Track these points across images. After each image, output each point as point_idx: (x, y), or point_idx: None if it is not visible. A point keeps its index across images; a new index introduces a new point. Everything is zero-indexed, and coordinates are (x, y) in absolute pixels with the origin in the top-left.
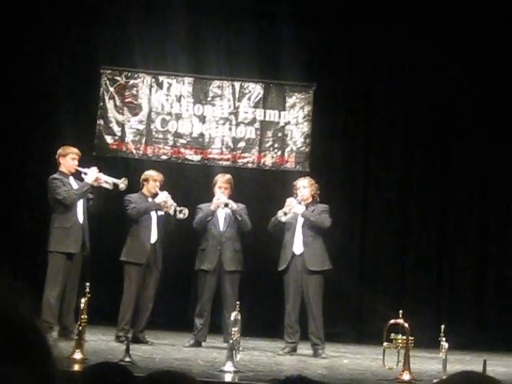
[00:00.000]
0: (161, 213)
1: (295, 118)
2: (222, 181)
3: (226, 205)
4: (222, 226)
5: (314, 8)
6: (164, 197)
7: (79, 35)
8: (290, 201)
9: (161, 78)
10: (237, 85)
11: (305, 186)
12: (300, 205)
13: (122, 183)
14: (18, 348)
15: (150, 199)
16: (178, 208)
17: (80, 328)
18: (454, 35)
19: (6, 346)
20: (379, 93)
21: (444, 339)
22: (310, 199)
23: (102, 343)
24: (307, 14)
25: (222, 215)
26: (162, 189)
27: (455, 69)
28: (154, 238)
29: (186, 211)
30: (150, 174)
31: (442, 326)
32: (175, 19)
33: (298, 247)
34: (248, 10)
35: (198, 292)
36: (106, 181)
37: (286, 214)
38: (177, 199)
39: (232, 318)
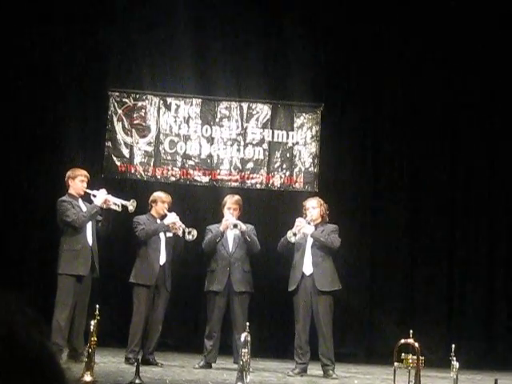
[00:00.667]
0: (169, 234)
1: (303, 138)
2: (231, 202)
3: (235, 226)
4: (231, 247)
5: (321, 29)
6: (173, 218)
7: (87, 58)
8: (299, 221)
9: (169, 100)
10: (244, 106)
11: (314, 207)
12: (309, 225)
13: (131, 205)
14: (32, 373)
15: (158, 221)
16: (187, 229)
17: (90, 350)
18: (457, 49)
19: (20, 372)
20: (386, 112)
21: (455, 358)
22: (320, 219)
23: (111, 365)
24: (314, 34)
25: (231, 236)
26: (170, 210)
27: (465, 84)
28: (162, 259)
29: (194, 232)
30: (159, 195)
31: (453, 346)
32: (182, 40)
33: (307, 268)
34: (255, 31)
35: (207, 313)
36: (115, 203)
37: (295, 234)
38: (185, 220)
39: (242, 339)
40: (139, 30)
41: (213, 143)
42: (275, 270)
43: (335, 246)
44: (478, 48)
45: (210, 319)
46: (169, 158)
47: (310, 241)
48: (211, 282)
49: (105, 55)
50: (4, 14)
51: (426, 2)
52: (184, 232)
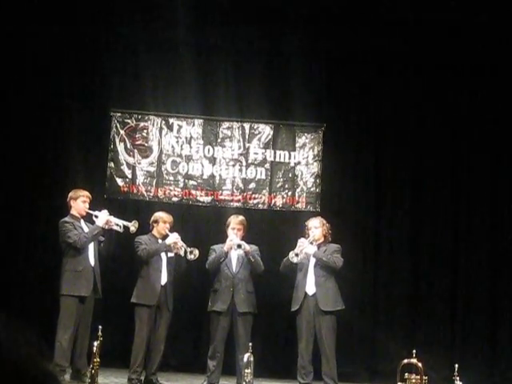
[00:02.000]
0: (171, 254)
1: (305, 158)
2: (235, 222)
3: (239, 246)
4: (234, 267)
5: (323, 49)
6: (174, 238)
7: (89, 78)
8: (301, 241)
9: (171, 120)
10: (246, 126)
11: (316, 227)
12: (312, 245)
13: (133, 226)
14: None
15: (160, 241)
16: (189, 249)
17: (93, 371)
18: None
19: None
20: (388, 132)
21: (458, 378)
22: (322, 239)
23: None
24: (316, 54)
25: (234, 256)
26: (172, 230)
27: (469, 99)
28: (164, 279)
29: (196, 252)
30: (160, 215)
31: (456, 365)
32: (185, 61)
33: (310, 287)
34: (257, 52)
35: (210, 333)
36: (117, 223)
37: (297, 255)
38: (188, 240)
39: (245, 359)
40: (141, 51)
41: (215, 163)
42: (278, 290)
43: (338, 265)
44: (485, 62)
45: (214, 339)
46: (171, 178)
47: (312, 261)
48: (214, 302)
49: (107, 76)
50: (5, 34)
51: (428, 17)
52: (186, 252)
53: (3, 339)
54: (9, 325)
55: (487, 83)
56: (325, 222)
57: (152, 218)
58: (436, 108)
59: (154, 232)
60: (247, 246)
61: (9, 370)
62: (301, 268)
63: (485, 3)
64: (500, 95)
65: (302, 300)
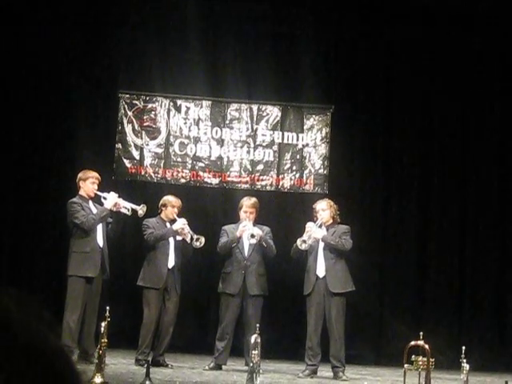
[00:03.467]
0: (179, 238)
1: (313, 140)
2: (247, 205)
3: (253, 236)
4: (247, 250)
5: (330, 30)
6: (181, 224)
7: (97, 60)
8: (309, 226)
9: (179, 102)
10: (254, 107)
11: (323, 209)
12: (320, 228)
13: (141, 209)
14: (49, 378)
15: (168, 224)
16: (195, 236)
17: (100, 352)
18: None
19: (38, 377)
20: (397, 113)
21: (465, 360)
22: (331, 221)
23: (122, 366)
24: (324, 35)
25: (246, 240)
26: (180, 214)
27: (480, 87)
28: (171, 263)
29: (202, 240)
30: (169, 199)
31: (463, 348)
32: (193, 42)
33: (320, 270)
34: (265, 33)
35: (220, 315)
36: (125, 206)
37: (305, 241)
38: (195, 222)
39: (252, 340)
40: (149, 32)
41: (223, 145)
42: (287, 272)
43: (346, 248)
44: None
45: (223, 321)
46: (179, 159)
47: (322, 244)
48: (226, 284)
49: (115, 57)
50: (14, 16)
51: (440, 8)
52: (192, 239)
53: (15, 314)
54: (20, 300)
55: (499, 66)
56: (332, 203)
57: (160, 202)
58: (446, 91)
59: (162, 215)
60: (260, 232)
61: (19, 344)
62: (311, 251)
63: None
64: None
65: (313, 283)
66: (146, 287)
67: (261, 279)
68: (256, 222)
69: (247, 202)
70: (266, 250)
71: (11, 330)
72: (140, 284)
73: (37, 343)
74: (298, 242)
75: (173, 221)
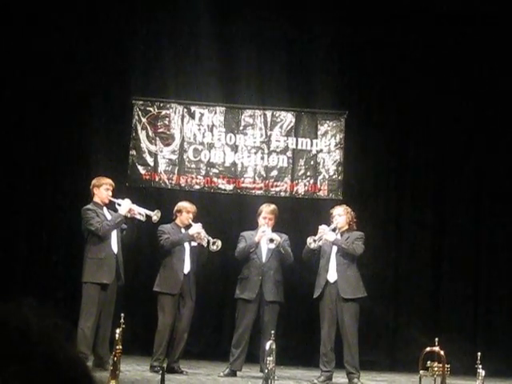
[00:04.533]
0: (194, 244)
1: (327, 145)
2: (266, 211)
3: (271, 240)
4: (264, 256)
5: (343, 36)
6: (197, 229)
7: (111, 67)
8: (322, 228)
9: (193, 108)
10: (268, 113)
11: (340, 214)
12: (332, 232)
13: (155, 215)
14: None
15: (183, 230)
16: (212, 240)
17: (115, 358)
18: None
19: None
20: (410, 118)
21: (480, 366)
22: (346, 227)
23: (136, 373)
24: (338, 41)
25: (264, 246)
26: (195, 220)
27: (494, 92)
28: (187, 268)
29: (219, 243)
30: (184, 205)
31: (479, 354)
32: (206, 49)
33: (332, 275)
34: (279, 39)
35: (236, 321)
36: (139, 212)
37: (315, 240)
38: (210, 228)
39: (267, 347)
40: (163, 39)
41: (237, 151)
42: (301, 278)
43: (357, 252)
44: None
45: (239, 327)
46: (193, 166)
47: (334, 248)
48: (243, 290)
49: (129, 64)
50: (28, 24)
51: (452, 11)
52: (209, 242)
53: (33, 324)
54: (38, 310)
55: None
56: (349, 210)
57: (175, 208)
58: (460, 93)
59: (178, 221)
60: (278, 238)
61: (37, 353)
62: (323, 255)
63: None
64: None
65: (323, 287)
66: (162, 293)
67: (278, 286)
68: (273, 229)
69: (267, 209)
70: (284, 256)
71: (30, 340)
72: (156, 290)
73: (54, 352)
74: (309, 239)
75: (188, 226)
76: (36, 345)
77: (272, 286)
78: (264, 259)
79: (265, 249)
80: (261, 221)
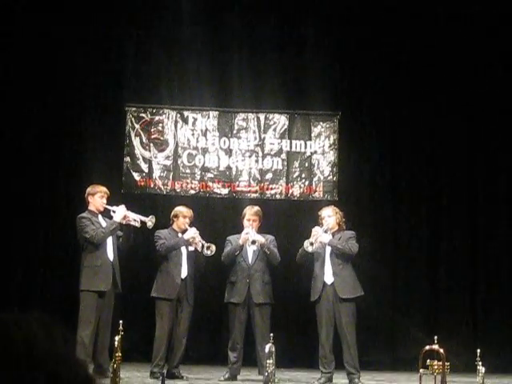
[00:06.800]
0: (191, 248)
1: (321, 147)
2: (250, 213)
3: (253, 242)
4: (250, 258)
5: (336, 37)
6: (192, 233)
7: (103, 73)
8: (315, 230)
9: (186, 113)
10: (261, 117)
11: (329, 215)
12: (326, 233)
13: (150, 221)
14: None
15: (180, 235)
16: (206, 244)
17: (115, 365)
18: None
19: None
20: (404, 118)
21: (480, 363)
22: (336, 227)
23: (137, 380)
24: (329, 43)
25: (250, 248)
26: (191, 224)
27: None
28: (184, 273)
29: (213, 248)
30: (180, 210)
31: (478, 350)
32: (198, 53)
33: (328, 277)
34: (270, 42)
35: (229, 325)
36: (134, 219)
37: (312, 243)
38: (206, 233)
39: (266, 350)
40: (154, 45)
41: (231, 155)
42: (296, 279)
43: (353, 251)
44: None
45: (232, 331)
46: (187, 171)
47: (328, 250)
48: (231, 294)
49: (121, 70)
50: (22, 28)
51: (444, 11)
52: (203, 247)
53: (41, 338)
54: (45, 323)
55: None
56: (338, 210)
57: (172, 213)
58: (455, 95)
59: (175, 226)
60: (262, 239)
61: (46, 368)
62: (317, 258)
63: None
64: None
65: (320, 290)
66: (159, 298)
67: (266, 287)
68: (262, 230)
69: (250, 211)
70: (270, 257)
71: (36, 357)
72: (153, 295)
73: (61, 368)
74: (306, 243)
75: (185, 231)
76: (41, 359)
77: (260, 288)
78: (250, 261)
79: (250, 251)
80: (245, 223)
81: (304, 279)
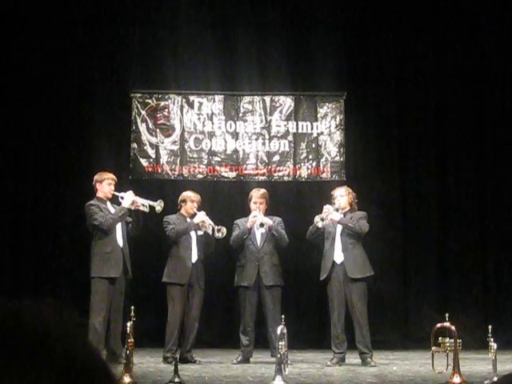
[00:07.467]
0: (200, 232)
1: (328, 128)
2: (256, 196)
3: (262, 225)
4: (259, 241)
5: (342, 17)
6: (201, 217)
7: (108, 60)
8: (327, 208)
9: (191, 98)
10: (267, 99)
11: (342, 195)
12: (337, 212)
13: (158, 205)
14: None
15: (188, 220)
16: (216, 227)
17: (127, 352)
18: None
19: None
20: (410, 98)
21: (492, 339)
22: (348, 207)
23: (150, 365)
24: (335, 22)
25: (258, 231)
26: (199, 208)
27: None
28: (194, 257)
29: (224, 230)
30: (188, 195)
31: (490, 327)
32: (203, 37)
33: (338, 256)
34: (275, 23)
35: (239, 309)
36: (143, 204)
37: (322, 219)
38: (214, 216)
39: (278, 331)
40: (159, 29)
41: (238, 138)
42: (306, 260)
43: (364, 230)
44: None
45: (243, 314)
46: (195, 155)
47: (339, 229)
48: (241, 277)
49: (126, 56)
50: (24, 18)
51: None
52: (213, 230)
53: (53, 324)
54: (58, 309)
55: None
56: (350, 190)
57: (180, 198)
58: (459, 74)
59: (183, 211)
60: (270, 222)
61: (58, 357)
62: (328, 237)
63: None
64: None
65: (329, 269)
66: (170, 283)
67: (275, 269)
68: (269, 212)
69: (256, 193)
70: (278, 239)
71: (49, 344)
72: (165, 280)
73: (75, 354)
74: (316, 218)
75: (193, 216)
76: (54, 346)
77: (269, 270)
78: (259, 244)
79: (258, 234)
80: (252, 206)
81: (314, 260)
